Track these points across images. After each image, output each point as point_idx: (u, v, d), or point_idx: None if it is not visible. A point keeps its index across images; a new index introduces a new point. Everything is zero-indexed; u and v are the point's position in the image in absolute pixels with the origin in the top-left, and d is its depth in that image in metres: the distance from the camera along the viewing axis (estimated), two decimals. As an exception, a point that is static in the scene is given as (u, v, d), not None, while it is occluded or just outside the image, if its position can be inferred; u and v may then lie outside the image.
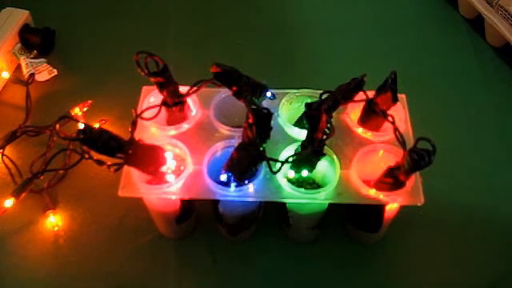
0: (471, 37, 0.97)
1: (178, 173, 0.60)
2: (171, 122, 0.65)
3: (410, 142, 0.60)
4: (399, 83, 0.58)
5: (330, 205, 0.62)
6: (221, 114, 0.66)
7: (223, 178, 0.57)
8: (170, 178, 0.60)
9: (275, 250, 0.71)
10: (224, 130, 0.64)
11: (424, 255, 0.70)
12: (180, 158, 0.62)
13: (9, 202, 0.70)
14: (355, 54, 0.95)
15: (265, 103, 0.64)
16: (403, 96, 0.66)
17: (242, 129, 0.58)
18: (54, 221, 0.72)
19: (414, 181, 0.59)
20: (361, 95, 0.62)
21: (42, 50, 0.90)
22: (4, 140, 0.79)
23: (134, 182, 0.59)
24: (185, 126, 0.64)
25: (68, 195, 0.75)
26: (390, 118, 0.60)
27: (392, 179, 0.56)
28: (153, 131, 0.64)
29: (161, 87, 0.60)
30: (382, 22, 1.01)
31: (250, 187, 0.59)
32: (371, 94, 0.61)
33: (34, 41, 0.89)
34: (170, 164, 0.61)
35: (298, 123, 0.64)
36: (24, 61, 0.86)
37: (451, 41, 0.97)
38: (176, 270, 0.69)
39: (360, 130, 0.64)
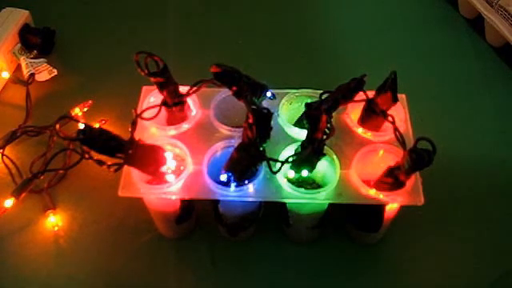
0: (471, 37, 0.97)
1: (178, 173, 0.60)
2: (171, 121, 0.65)
3: (410, 142, 0.60)
4: (399, 83, 0.58)
5: (330, 205, 0.62)
6: (221, 114, 0.66)
7: (223, 178, 0.57)
8: (169, 177, 0.60)
9: (275, 250, 0.70)
10: (224, 129, 0.64)
11: (424, 255, 0.70)
12: (180, 157, 0.62)
13: (9, 202, 0.70)
14: (355, 54, 0.95)
15: (265, 103, 0.64)
16: (403, 96, 0.66)
17: (242, 129, 0.58)
18: (54, 221, 0.72)
19: (413, 181, 0.59)
20: (361, 95, 0.62)
21: (41, 50, 0.90)
22: (4, 140, 0.79)
23: (134, 182, 0.59)
24: (185, 126, 0.64)
25: (68, 195, 0.75)
26: (389, 118, 0.60)
27: (392, 179, 0.56)
28: (153, 131, 0.64)
29: (161, 87, 0.60)
30: (382, 22, 1.01)
31: (250, 187, 0.59)
32: (371, 94, 0.61)
33: (33, 41, 0.89)
34: (170, 164, 0.61)
35: (298, 123, 0.64)
36: (24, 61, 0.86)
37: (451, 41, 0.97)
38: (176, 270, 0.69)
39: (360, 130, 0.64)
